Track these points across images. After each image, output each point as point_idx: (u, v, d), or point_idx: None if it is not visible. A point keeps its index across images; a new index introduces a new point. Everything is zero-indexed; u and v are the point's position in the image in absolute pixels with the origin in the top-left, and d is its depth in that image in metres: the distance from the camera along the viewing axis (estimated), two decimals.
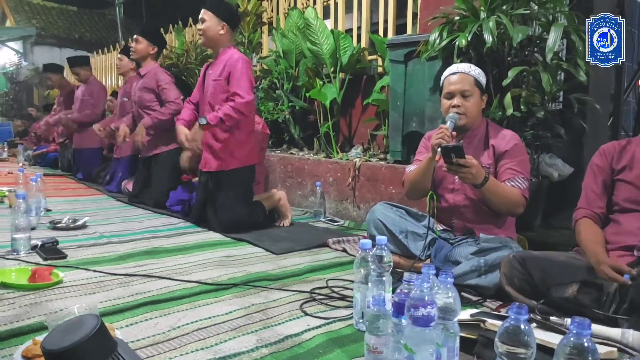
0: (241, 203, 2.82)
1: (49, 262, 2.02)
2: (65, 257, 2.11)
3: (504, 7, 2.31)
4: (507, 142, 1.91)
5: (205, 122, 2.68)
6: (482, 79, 1.97)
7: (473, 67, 1.99)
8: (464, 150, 1.73)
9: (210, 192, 2.86)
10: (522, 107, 2.26)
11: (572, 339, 0.88)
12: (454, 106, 1.92)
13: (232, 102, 2.69)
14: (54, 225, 2.70)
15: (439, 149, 1.74)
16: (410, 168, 2.09)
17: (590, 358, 0.86)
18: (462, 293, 1.73)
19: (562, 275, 1.52)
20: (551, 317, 1.37)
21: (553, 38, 2.10)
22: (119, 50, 4.70)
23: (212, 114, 2.71)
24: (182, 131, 2.87)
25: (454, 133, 1.85)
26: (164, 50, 6.39)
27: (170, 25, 6.67)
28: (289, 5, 4.72)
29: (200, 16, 2.84)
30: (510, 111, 2.20)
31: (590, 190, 1.70)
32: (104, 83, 8.60)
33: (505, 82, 2.19)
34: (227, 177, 2.82)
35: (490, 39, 2.15)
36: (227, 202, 2.78)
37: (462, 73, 1.95)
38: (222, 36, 2.83)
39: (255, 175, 3.00)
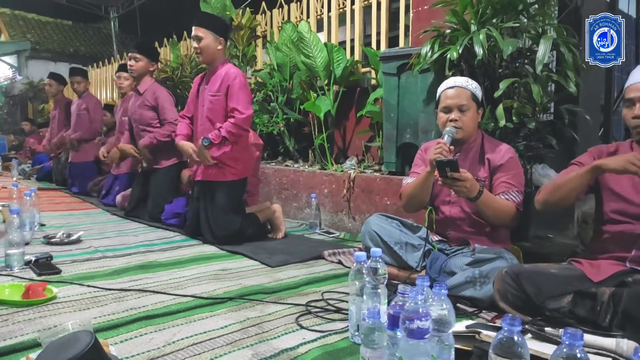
0: (235, 213, 2.83)
1: (42, 277, 2.01)
2: (59, 272, 2.10)
3: (494, 20, 2.35)
4: (502, 155, 1.94)
5: (208, 143, 2.70)
6: (479, 93, 2.00)
7: (470, 81, 2.00)
8: (459, 164, 1.75)
9: (204, 204, 2.87)
10: (514, 118, 2.28)
11: (564, 350, 0.88)
12: (451, 120, 1.94)
13: (233, 119, 2.71)
14: (48, 240, 2.69)
15: (435, 164, 1.77)
16: (407, 181, 2.09)
17: None
18: (458, 304, 1.74)
19: (555, 288, 1.52)
20: (546, 328, 1.37)
21: (543, 50, 2.14)
22: (117, 67, 4.68)
23: (215, 132, 2.71)
24: (188, 146, 2.86)
25: (452, 147, 1.88)
26: (159, 64, 6.45)
27: (165, 39, 6.72)
28: (283, 19, 4.77)
29: (193, 34, 2.80)
30: (502, 122, 2.22)
31: (564, 172, 1.71)
32: (99, 97, 8.64)
33: (496, 94, 2.22)
34: (221, 189, 2.83)
35: (481, 52, 2.18)
36: (221, 214, 2.78)
37: (459, 87, 1.96)
38: (220, 51, 2.84)
39: (246, 186, 3.00)
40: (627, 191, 1.58)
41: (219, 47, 2.81)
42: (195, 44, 2.81)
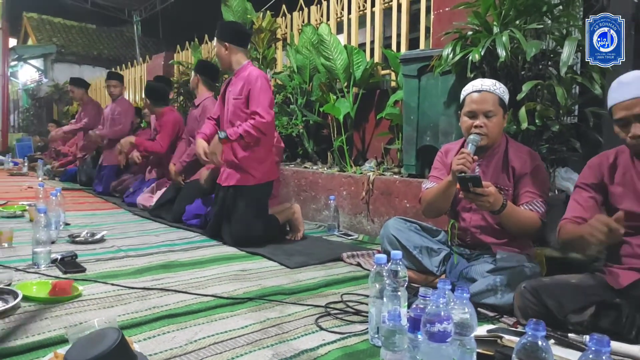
0: (257, 218, 2.85)
1: (68, 275, 2.06)
2: (84, 270, 2.14)
3: (517, 22, 2.33)
4: (528, 163, 1.87)
5: (224, 136, 2.72)
6: (506, 97, 1.91)
7: (498, 84, 1.91)
8: (482, 170, 1.72)
9: (227, 207, 2.89)
10: (537, 120, 2.25)
11: (590, 356, 0.87)
12: (476, 126, 1.85)
13: (253, 120, 2.73)
14: (73, 239, 2.75)
15: (457, 178, 1.73)
16: (427, 185, 2.06)
17: None
18: (479, 309, 1.72)
19: (576, 300, 1.48)
20: (569, 334, 1.35)
21: (567, 52, 2.10)
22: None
23: (232, 129, 2.75)
24: (201, 145, 2.90)
25: (476, 157, 1.80)
26: (180, 67, 6.56)
27: (187, 42, 6.82)
28: (303, 22, 4.80)
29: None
30: (524, 125, 2.19)
31: (575, 203, 1.65)
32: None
33: (519, 96, 2.19)
34: (246, 192, 2.85)
35: (504, 54, 2.16)
36: (244, 217, 2.80)
37: (486, 91, 1.86)
38: (228, 55, 2.90)
39: (272, 190, 3.02)
40: (632, 206, 1.52)
41: (225, 51, 2.89)
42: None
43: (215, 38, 2.95)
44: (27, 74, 14.86)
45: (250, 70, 2.86)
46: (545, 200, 1.86)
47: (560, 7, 2.37)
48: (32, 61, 14.06)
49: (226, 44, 2.88)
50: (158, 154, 4.20)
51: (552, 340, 1.32)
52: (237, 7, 5.09)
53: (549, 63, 2.40)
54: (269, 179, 2.93)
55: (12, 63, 13.69)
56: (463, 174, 1.70)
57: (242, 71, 2.89)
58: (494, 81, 1.93)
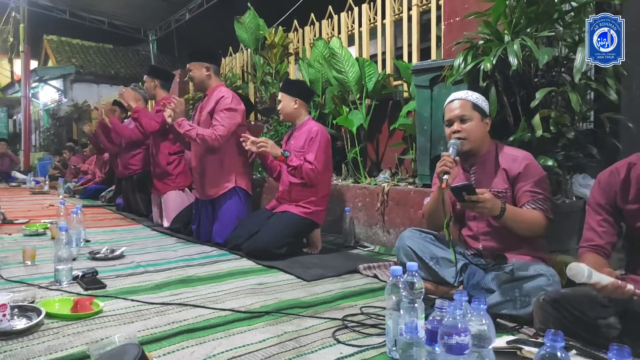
0: (288, 242, 2.89)
1: (89, 292, 2.10)
2: (104, 287, 2.18)
3: (528, 30, 2.32)
4: (519, 163, 1.88)
5: (287, 155, 2.90)
6: (482, 103, 1.98)
7: (470, 92, 2.01)
8: (477, 178, 1.73)
9: (260, 219, 3.04)
10: (551, 128, 2.23)
11: None
12: (454, 132, 1.94)
13: (312, 166, 2.90)
14: (94, 256, 2.79)
15: (450, 190, 1.74)
16: (426, 200, 2.10)
17: None
18: (498, 319, 1.70)
19: (597, 311, 1.44)
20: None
21: (580, 58, 2.09)
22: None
23: (296, 159, 2.92)
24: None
25: (457, 159, 1.86)
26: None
27: None
28: (315, 36, 4.85)
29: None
30: (539, 132, 2.18)
31: (590, 230, 1.59)
32: None
33: (533, 104, 2.18)
34: (288, 217, 2.95)
35: (516, 62, 2.15)
36: (278, 235, 2.86)
37: (459, 99, 1.98)
38: (297, 109, 3.09)
39: (308, 233, 3.08)
40: None
41: (295, 105, 3.08)
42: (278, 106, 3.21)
43: (282, 92, 3.11)
44: (48, 94, 15.24)
45: (311, 125, 3.05)
46: (547, 197, 1.85)
47: (572, 13, 2.36)
48: (52, 82, 14.43)
49: (297, 99, 3.07)
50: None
51: (573, 351, 1.30)
52: (250, 24, 5.18)
53: (562, 70, 2.38)
54: (317, 220, 3.03)
55: (33, 84, 14.06)
56: (455, 185, 1.71)
57: (304, 125, 3.08)
58: (466, 91, 2.03)
